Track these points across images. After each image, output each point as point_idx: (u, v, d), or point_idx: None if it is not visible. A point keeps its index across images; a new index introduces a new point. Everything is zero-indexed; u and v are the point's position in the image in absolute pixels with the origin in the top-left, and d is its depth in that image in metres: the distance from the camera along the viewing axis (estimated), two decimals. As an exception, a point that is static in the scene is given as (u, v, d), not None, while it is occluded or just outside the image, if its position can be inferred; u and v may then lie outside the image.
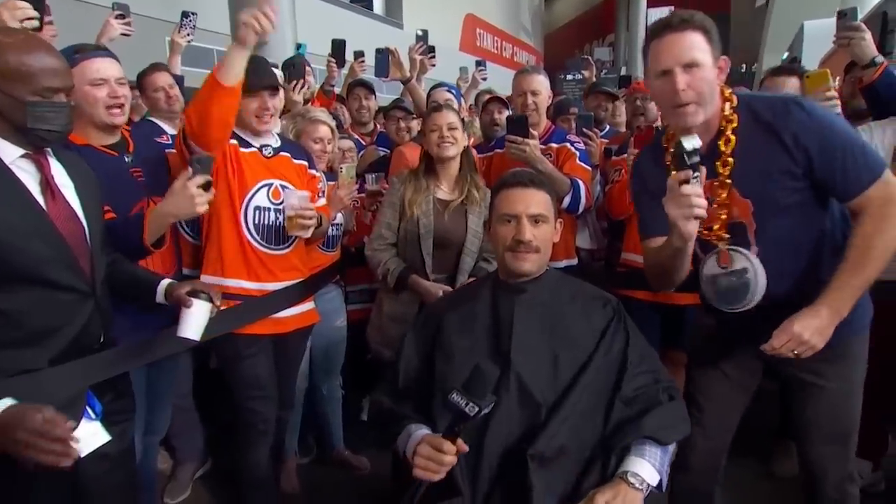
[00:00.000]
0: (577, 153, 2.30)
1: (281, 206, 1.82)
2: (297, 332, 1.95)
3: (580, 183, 2.17)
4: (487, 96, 3.10)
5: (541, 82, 2.38)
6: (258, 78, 1.78)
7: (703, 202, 1.20)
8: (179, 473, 2.35)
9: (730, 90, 1.34)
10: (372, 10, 10.31)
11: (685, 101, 1.26)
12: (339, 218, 2.25)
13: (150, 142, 1.94)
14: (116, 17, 2.42)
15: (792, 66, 2.51)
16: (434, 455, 1.16)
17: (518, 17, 17.96)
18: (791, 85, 2.28)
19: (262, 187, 1.81)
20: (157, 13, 5.29)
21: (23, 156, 1.20)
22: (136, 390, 1.59)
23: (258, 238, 1.81)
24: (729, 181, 1.34)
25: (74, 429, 1.26)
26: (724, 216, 1.36)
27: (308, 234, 1.84)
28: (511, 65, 16.16)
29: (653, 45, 1.30)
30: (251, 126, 1.82)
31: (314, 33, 5.89)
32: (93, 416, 1.33)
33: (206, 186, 1.50)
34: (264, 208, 1.81)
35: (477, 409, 1.10)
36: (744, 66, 9.13)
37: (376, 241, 2.02)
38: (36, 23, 1.66)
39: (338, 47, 3.31)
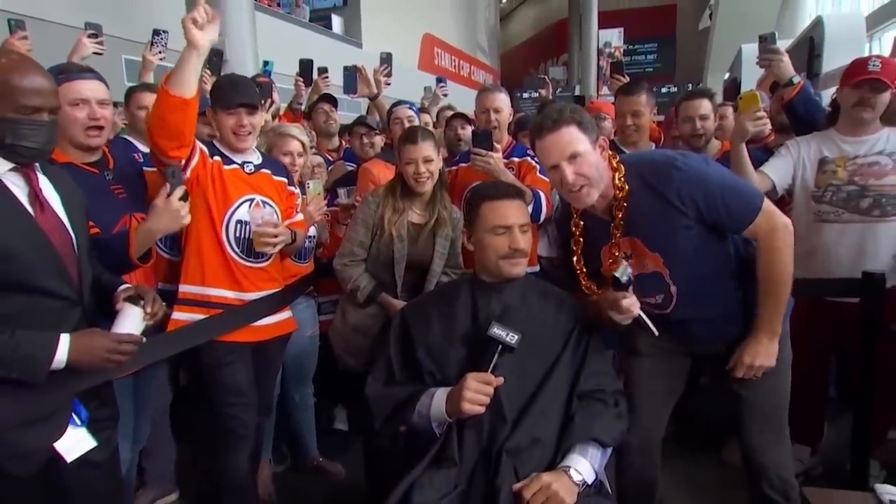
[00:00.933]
0: (537, 166, 2.42)
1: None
2: (276, 339, 2.00)
3: (541, 194, 2.30)
4: (450, 112, 3.24)
5: (502, 100, 2.52)
6: (234, 95, 1.84)
7: (637, 307, 1.47)
8: (141, 497, 2.29)
9: (617, 160, 1.51)
10: (331, 29, 10.42)
11: (577, 186, 1.44)
12: (312, 230, 2.31)
13: (127, 159, 1.98)
14: (89, 37, 2.44)
15: (703, 90, 2.66)
16: (482, 388, 1.33)
17: (475, 36, 18.41)
18: (704, 107, 2.48)
19: (244, 202, 1.87)
20: (113, 30, 5.23)
21: (12, 169, 1.25)
22: (123, 399, 1.62)
23: (238, 251, 1.87)
24: (622, 239, 1.52)
25: (62, 436, 1.32)
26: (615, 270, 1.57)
27: (274, 250, 1.88)
28: (469, 83, 16.52)
29: (537, 144, 1.47)
30: (230, 143, 1.88)
31: (274, 53, 5.93)
32: (79, 422, 1.36)
33: (184, 197, 1.58)
34: (245, 222, 1.87)
35: (517, 337, 1.32)
36: (689, 84, 9.63)
37: (347, 256, 2.06)
38: None
39: (305, 66, 3.42)
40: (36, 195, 1.27)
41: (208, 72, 2.91)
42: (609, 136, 2.68)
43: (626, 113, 2.51)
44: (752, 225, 1.46)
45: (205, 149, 1.82)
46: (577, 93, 4.97)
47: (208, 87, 2.79)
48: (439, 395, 1.39)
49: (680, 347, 1.68)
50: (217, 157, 1.86)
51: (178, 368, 2.33)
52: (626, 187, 1.48)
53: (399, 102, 2.90)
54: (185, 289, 1.84)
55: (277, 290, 1.98)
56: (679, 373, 1.74)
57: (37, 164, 1.31)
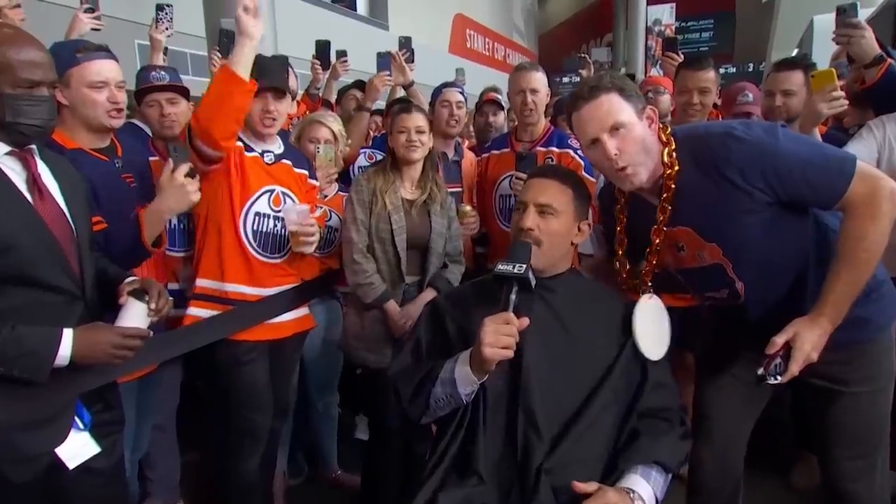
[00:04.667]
0: (583, 163, 2.34)
1: (281, 214, 1.90)
2: (294, 337, 2.02)
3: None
4: (489, 95, 3.18)
5: (539, 80, 2.46)
6: (263, 78, 1.83)
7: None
8: None
9: (668, 131, 1.38)
10: (355, 10, 10.50)
11: (622, 164, 1.34)
12: (335, 220, 2.32)
13: (135, 147, 2.00)
14: (85, 12, 2.46)
15: (795, 59, 2.44)
16: (502, 327, 1.22)
17: (510, 16, 18.30)
18: (796, 80, 2.28)
19: (263, 193, 1.89)
20: (126, 14, 5.39)
21: (8, 153, 1.26)
22: (126, 405, 1.64)
23: (255, 245, 1.88)
24: (665, 228, 1.40)
25: (64, 440, 1.33)
26: (654, 262, 1.46)
27: (311, 248, 1.91)
28: (503, 67, 16.41)
29: (574, 117, 1.38)
30: (254, 128, 1.90)
31: (295, 35, 5.99)
32: (81, 426, 1.37)
33: (191, 174, 1.62)
34: (264, 215, 1.89)
35: (524, 266, 1.26)
36: (751, 64, 9.37)
37: (362, 244, 2.05)
38: None
39: (322, 49, 3.40)
40: (34, 181, 1.28)
41: (218, 54, 2.94)
42: (667, 114, 2.59)
43: (691, 89, 2.36)
44: (845, 197, 1.26)
45: None
46: (625, 71, 4.84)
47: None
48: (463, 356, 1.32)
49: (753, 353, 1.49)
50: (239, 143, 1.87)
51: (193, 374, 2.34)
52: (676, 165, 1.35)
53: (449, 84, 2.85)
54: (201, 283, 1.87)
55: (295, 284, 1.99)
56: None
57: (34, 149, 1.32)
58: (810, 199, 1.32)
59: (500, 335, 1.22)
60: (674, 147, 1.37)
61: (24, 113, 1.22)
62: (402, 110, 2.11)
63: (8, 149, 1.25)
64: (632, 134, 1.32)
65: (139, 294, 1.37)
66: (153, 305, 1.37)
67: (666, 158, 1.36)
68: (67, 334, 1.25)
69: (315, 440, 2.55)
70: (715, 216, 1.35)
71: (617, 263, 1.53)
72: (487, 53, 16.31)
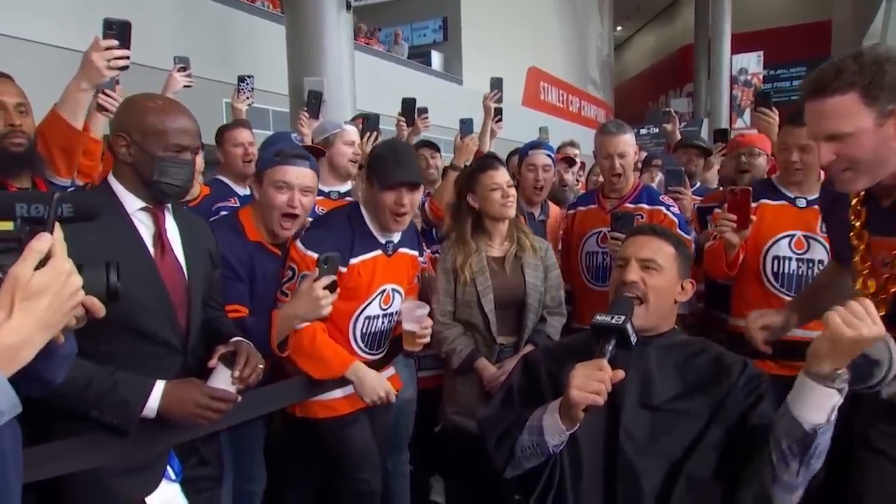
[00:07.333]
0: (677, 220, 2.32)
1: (389, 311, 1.93)
2: None
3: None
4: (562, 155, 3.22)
5: (627, 142, 2.43)
6: (398, 170, 1.82)
7: None
8: None
9: None
10: (430, 66, 10.99)
11: (836, 169, 1.21)
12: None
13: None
14: (178, 71, 2.69)
15: None
16: (593, 373, 1.20)
17: (585, 68, 18.56)
18: None
19: (377, 296, 1.90)
20: (215, 75, 5.88)
21: (142, 208, 1.41)
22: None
23: (363, 347, 1.93)
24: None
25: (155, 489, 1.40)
26: (892, 289, 1.27)
27: (419, 348, 1.91)
28: (578, 119, 16.60)
29: (805, 107, 1.25)
30: (385, 224, 1.87)
31: (372, 90, 6.34)
32: (173, 477, 1.44)
33: (332, 287, 1.67)
34: (374, 317, 1.92)
35: (623, 318, 1.24)
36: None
37: (441, 314, 2.11)
38: (126, 62, 1.76)
39: (408, 106, 3.54)
40: (160, 236, 1.42)
41: (307, 114, 3.12)
42: (762, 176, 2.52)
43: (791, 146, 2.20)
44: None
45: None
46: (704, 124, 4.77)
47: (305, 129, 2.98)
48: (553, 405, 1.30)
49: None
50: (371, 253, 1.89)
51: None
52: None
53: (535, 145, 2.85)
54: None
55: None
56: None
57: (168, 206, 1.46)
58: None
59: (590, 380, 1.21)
60: None
61: (169, 174, 1.37)
62: (488, 167, 2.14)
63: (143, 204, 1.40)
64: (859, 143, 1.18)
65: (229, 359, 1.41)
66: (236, 374, 1.40)
67: None
68: (158, 386, 1.33)
69: (385, 501, 2.52)
70: None
71: (861, 279, 1.35)
72: (562, 105, 16.53)
